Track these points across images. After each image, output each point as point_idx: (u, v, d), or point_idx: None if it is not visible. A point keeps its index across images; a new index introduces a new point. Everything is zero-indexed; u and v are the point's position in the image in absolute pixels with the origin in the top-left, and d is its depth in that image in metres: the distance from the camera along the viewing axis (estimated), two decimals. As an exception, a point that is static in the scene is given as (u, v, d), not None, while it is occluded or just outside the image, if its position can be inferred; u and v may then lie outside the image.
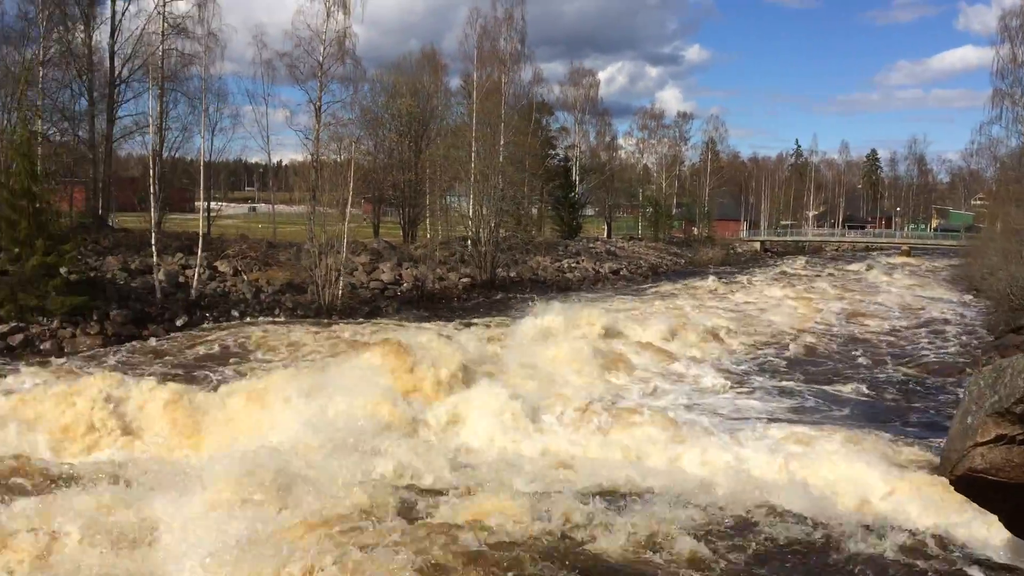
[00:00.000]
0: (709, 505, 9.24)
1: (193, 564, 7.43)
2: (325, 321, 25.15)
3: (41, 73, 27.81)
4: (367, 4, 40.63)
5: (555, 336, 20.24)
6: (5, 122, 26.94)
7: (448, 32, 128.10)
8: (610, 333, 21.64)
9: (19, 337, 19.81)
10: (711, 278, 43.37)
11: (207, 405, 12.87)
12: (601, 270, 44.33)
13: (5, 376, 15.68)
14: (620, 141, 73.40)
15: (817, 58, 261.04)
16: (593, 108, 64.57)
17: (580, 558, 7.70)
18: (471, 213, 39.16)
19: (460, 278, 34.98)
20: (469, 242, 38.62)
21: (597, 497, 9.19)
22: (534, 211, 56.41)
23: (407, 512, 8.71)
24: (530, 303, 26.50)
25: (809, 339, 24.24)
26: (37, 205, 21.64)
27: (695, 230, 74.08)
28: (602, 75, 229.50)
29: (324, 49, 32.76)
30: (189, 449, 11.76)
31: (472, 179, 38.35)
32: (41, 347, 19.77)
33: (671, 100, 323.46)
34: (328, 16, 32.50)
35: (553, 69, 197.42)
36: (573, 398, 14.26)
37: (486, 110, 40.22)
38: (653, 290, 38.56)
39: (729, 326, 24.86)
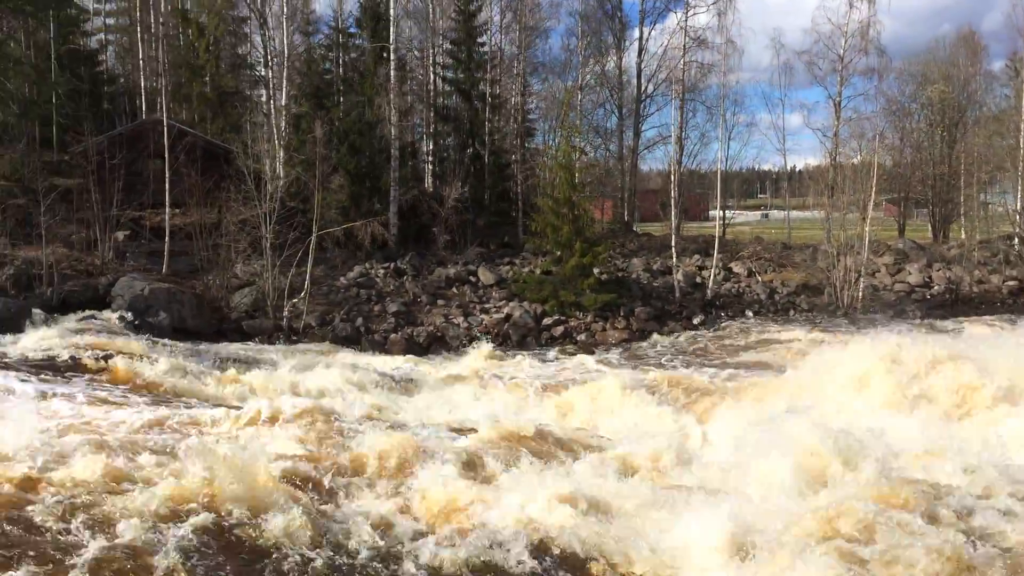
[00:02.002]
0: None
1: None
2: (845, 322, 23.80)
3: (579, 97, 31.33)
4: (893, -11, 37.99)
5: None
6: (551, 140, 30.99)
7: (988, 12, 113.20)
8: None
9: (560, 329, 22.37)
10: None
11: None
12: None
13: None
14: None
15: None
16: None
17: None
18: (1019, 207, 33.84)
19: (1004, 280, 30.37)
20: (1016, 240, 33.42)
21: None
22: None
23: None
24: None
25: None
26: (575, 212, 24.31)
27: None
28: None
29: (845, 42, 31.47)
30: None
31: (1019, 169, 33.15)
32: (577, 338, 22.07)
33: None
34: (851, 7, 31.20)
35: None
36: None
37: (1039, 89, 34.49)
38: None
39: None
